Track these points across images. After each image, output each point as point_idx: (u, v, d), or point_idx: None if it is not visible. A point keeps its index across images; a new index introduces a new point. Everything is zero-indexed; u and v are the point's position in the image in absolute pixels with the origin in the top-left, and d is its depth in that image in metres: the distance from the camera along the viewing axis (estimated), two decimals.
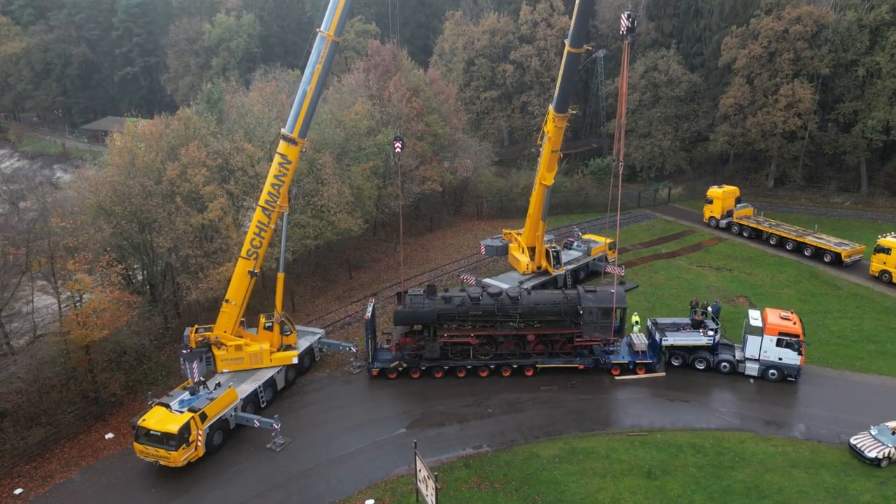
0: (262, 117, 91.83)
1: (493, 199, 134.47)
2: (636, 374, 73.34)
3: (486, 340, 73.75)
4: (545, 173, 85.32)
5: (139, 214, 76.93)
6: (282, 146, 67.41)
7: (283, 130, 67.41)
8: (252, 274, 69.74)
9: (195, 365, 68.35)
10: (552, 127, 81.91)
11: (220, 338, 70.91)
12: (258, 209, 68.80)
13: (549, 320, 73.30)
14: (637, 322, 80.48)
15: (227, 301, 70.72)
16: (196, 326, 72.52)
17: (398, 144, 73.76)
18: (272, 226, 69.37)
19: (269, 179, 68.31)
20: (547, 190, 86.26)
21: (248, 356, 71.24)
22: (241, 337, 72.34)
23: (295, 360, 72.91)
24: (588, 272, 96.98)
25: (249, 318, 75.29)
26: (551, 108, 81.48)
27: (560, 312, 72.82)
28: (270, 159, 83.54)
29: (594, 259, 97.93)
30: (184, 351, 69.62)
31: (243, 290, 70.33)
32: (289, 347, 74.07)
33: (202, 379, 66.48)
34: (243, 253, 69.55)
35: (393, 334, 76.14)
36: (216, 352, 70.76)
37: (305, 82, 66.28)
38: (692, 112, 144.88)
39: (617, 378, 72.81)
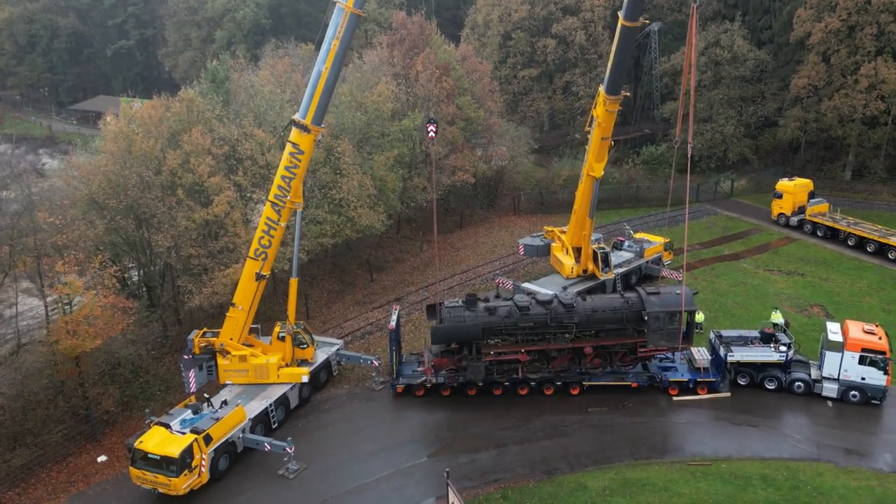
0: (274, 99, 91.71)
1: (531, 191, 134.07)
2: (697, 393, 72.51)
3: (537, 356, 71.33)
4: (594, 163, 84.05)
5: (136, 209, 76.50)
6: (294, 134, 66.47)
7: (296, 116, 66.61)
8: (259, 276, 69.39)
9: (192, 373, 68.41)
10: (602, 111, 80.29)
11: (225, 345, 70.70)
12: (267, 204, 68.27)
13: (609, 329, 71.26)
14: (699, 324, 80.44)
15: (233, 305, 70.47)
16: (203, 330, 72.53)
17: (432, 128, 72.82)
18: (283, 224, 68.58)
19: (280, 171, 67.47)
20: (595, 183, 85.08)
21: (253, 368, 71.08)
22: (251, 346, 72.27)
23: (305, 379, 72.17)
24: (641, 276, 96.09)
25: (267, 325, 75.07)
26: (602, 89, 79.78)
27: (621, 319, 70.76)
28: (283, 147, 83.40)
29: (647, 261, 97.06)
30: (185, 357, 69.80)
31: (251, 293, 69.94)
32: (304, 363, 73.80)
33: (206, 396, 66.22)
34: (251, 253, 69.11)
35: (424, 353, 74.05)
36: (220, 361, 70.81)
37: (321, 61, 64.99)
38: (759, 94, 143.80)
39: (675, 399, 71.97)
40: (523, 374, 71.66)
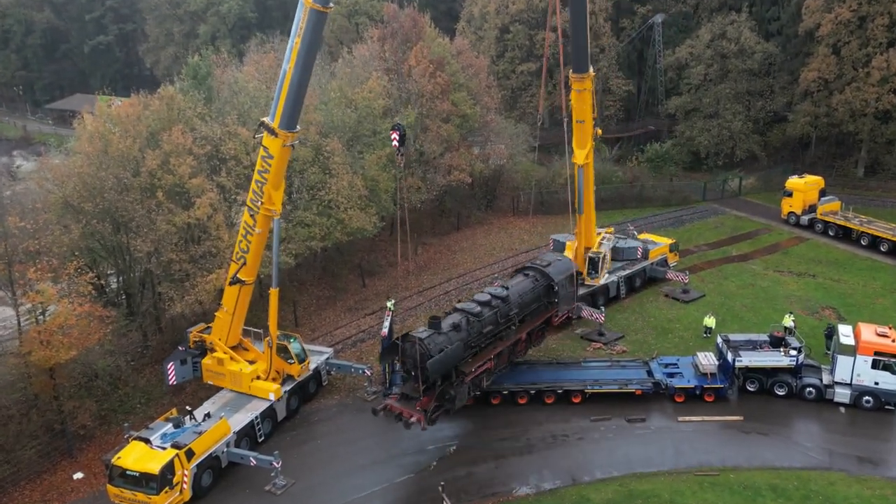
0: (259, 96, 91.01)
1: (531, 191, 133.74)
2: (704, 400, 72.54)
3: (496, 359, 69.53)
4: (575, 149, 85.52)
5: (113, 212, 75.95)
6: (264, 137, 64.57)
7: (265, 118, 64.73)
8: (234, 280, 69.13)
9: (172, 365, 68.74)
10: (573, 92, 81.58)
11: (213, 344, 71.42)
12: (245, 208, 68.06)
13: (533, 309, 73.07)
14: (709, 328, 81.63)
15: (221, 306, 70.98)
16: (207, 325, 73.28)
17: (395, 135, 72.78)
18: (259, 230, 67.16)
19: (254, 175, 66.51)
20: (580, 171, 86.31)
21: (228, 374, 71.44)
22: (245, 350, 72.90)
23: (272, 397, 70.16)
24: (645, 279, 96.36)
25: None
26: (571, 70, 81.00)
27: (539, 297, 73.45)
28: None
29: (652, 263, 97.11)
30: (179, 348, 70.96)
31: (234, 297, 69.99)
32: (289, 378, 73.21)
33: (188, 409, 65.84)
34: (233, 256, 69.25)
35: (388, 405, 65.09)
36: (205, 359, 71.47)
37: (285, 61, 62.71)
38: (767, 88, 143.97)
39: (680, 420, 70.85)
40: (486, 385, 69.87)
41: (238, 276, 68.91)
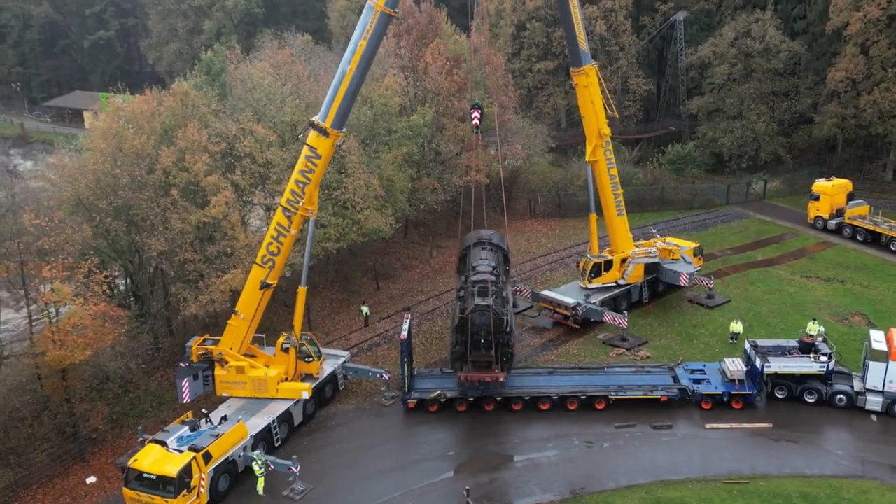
0: (274, 92, 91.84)
1: (548, 193, 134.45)
2: (731, 407, 72.97)
3: None
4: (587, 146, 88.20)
5: (127, 210, 76.78)
6: (312, 137, 67.30)
7: (315, 118, 67.37)
8: (265, 285, 69.97)
9: (186, 382, 68.94)
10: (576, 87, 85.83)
11: (224, 354, 71.33)
12: (279, 210, 69.08)
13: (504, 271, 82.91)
14: (735, 334, 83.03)
15: (235, 313, 71.07)
16: (204, 337, 73.41)
17: (476, 114, 76.93)
18: (294, 231, 69.24)
19: (294, 176, 68.19)
20: (587, 168, 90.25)
21: (251, 381, 71.63)
22: (253, 357, 72.89)
23: (305, 396, 72.46)
24: (668, 283, 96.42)
25: (272, 336, 75.68)
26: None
27: (500, 263, 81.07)
28: (283, 144, 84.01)
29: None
30: (181, 365, 70.47)
31: (255, 302, 70.49)
32: (308, 377, 74.32)
33: (204, 412, 66.50)
34: (258, 259, 69.75)
35: (467, 376, 72.37)
36: (217, 371, 71.48)
37: (346, 62, 66.07)
38: (793, 88, 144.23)
39: (707, 427, 71.31)
40: None
41: (267, 280, 69.86)
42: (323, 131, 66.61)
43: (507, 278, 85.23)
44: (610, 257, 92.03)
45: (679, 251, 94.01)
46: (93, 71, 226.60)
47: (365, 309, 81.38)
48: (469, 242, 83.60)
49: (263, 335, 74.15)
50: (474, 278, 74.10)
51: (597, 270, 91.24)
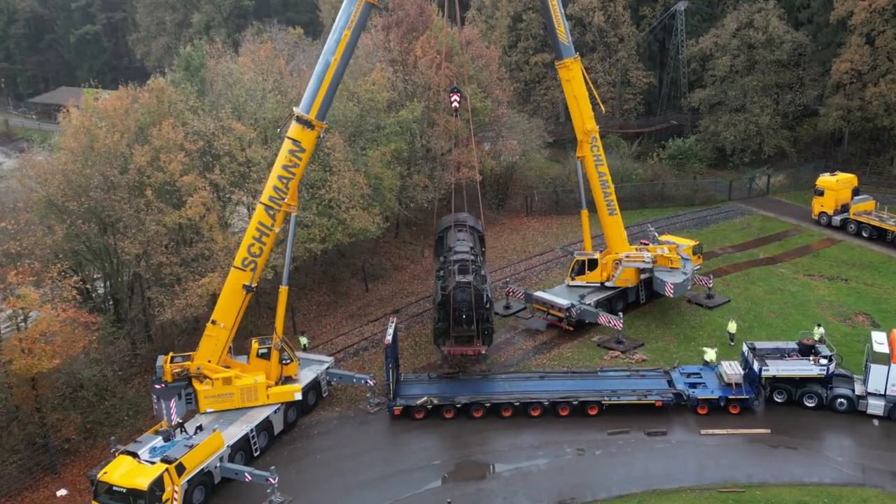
0: (255, 88, 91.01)
1: (545, 190, 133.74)
2: (729, 412, 72.21)
3: None
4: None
5: (100, 212, 75.98)
6: (294, 129, 66.82)
7: (297, 110, 66.90)
8: (248, 289, 68.85)
9: (173, 404, 67.62)
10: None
11: (202, 368, 69.92)
12: (259, 208, 67.99)
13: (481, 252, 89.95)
14: (732, 334, 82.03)
15: (213, 322, 69.59)
16: (171, 355, 71.68)
17: (455, 98, 76.47)
18: (276, 229, 68.50)
19: (276, 171, 67.44)
20: (577, 164, 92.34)
21: (238, 392, 70.45)
22: (227, 367, 71.55)
23: (298, 396, 72.14)
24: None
25: (236, 342, 74.45)
26: None
27: (477, 244, 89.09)
28: (265, 141, 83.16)
29: None
30: (156, 387, 68.72)
31: (235, 308, 69.35)
32: (288, 380, 73.39)
33: (180, 420, 65.66)
34: (237, 262, 68.42)
35: (449, 350, 77.86)
36: (198, 387, 69.85)
37: (329, 52, 66.22)
38: (797, 80, 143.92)
39: (703, 433, 70.48)
40: None
41: (251, 283, 68.84)
42: (307, 123, 66.43)
43: (484, 259, 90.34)
44: (595, 256, 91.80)
45: (679, 260, 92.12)
46: (79, 66, 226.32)
47: (304, 340, 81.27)
48: (445, 225, 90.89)
49: (231, 344, 72.93)
50: (453, 258, 79.34)
51: (579, 269, 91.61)
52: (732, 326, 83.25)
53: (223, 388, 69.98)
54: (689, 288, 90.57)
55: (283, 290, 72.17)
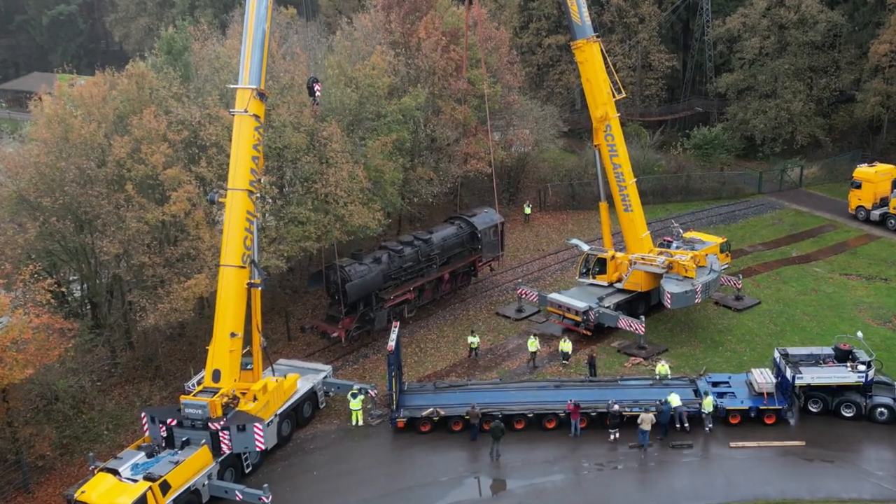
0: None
1: (560, 182, 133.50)
2: (759, 423, 71.72)
3: (417, 293, 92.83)
4: None
5: (75, 208, 75.32)
6: (253, 105, 67.10)
7: (251, 85, 67.24)
8: (253, 286, 68.16)
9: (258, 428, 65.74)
10: None
11: (236, 391, 68.02)
12: (242, 195, 66.56)
13: (456, 253, 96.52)
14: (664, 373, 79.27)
15: (233, 335, 66.99)
16: (196, 390, 68.51)
17: (318, 87, 76.49)
18: (259, 214, 69.32)
19: (247, 152, 67.02)
20: (595, 153, 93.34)
21: (272, 397, 70.73)
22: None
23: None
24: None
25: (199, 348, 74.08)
26: None
27: (463, 242, 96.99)
28: None
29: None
30: (212, 426, 64.76)
31: (243, 312, 67.93)
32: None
33: (164, 434, 65.17)
34: (237, 261, 66.86)
35: (314, 324, 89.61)
36: (245, 406, 67.33)
37: (262, 20, 67.44)
38: (832, 63, 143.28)
39: (732, 445, 69.97)
40: (408, 313, 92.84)
41: (253, 280, 68.39)
42: (262, 95, 67.91)
43: (463, 260, 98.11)
44: (604, 255, 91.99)
45: (695, 269, 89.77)
46: (53, 50, 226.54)
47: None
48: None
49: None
50: (385, 243, 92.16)
51: (595, 266, 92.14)
52: (664, 368, 79.63)
53: (263, 397, 69.44)
54: (696, 301, 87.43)
55: (256, 291, 70.13)
